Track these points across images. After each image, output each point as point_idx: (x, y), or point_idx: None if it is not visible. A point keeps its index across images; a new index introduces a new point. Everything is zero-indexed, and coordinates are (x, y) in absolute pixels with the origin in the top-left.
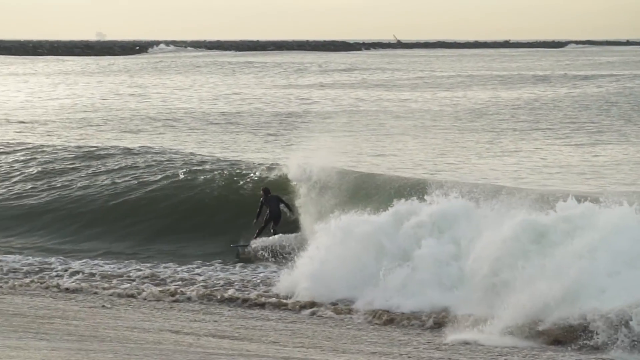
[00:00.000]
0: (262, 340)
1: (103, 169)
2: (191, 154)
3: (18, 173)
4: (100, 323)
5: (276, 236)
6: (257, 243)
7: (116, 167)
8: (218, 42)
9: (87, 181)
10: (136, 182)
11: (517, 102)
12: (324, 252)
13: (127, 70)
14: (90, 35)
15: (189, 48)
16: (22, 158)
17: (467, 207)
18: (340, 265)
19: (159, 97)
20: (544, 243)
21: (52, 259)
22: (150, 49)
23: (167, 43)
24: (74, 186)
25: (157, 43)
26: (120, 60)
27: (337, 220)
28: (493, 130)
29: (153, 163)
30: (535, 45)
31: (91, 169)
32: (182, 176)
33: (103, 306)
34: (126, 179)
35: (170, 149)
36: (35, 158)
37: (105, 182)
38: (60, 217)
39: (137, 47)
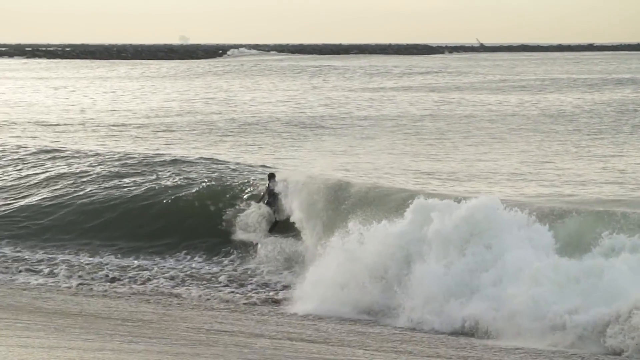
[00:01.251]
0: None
1: (172, 173)
2: (263, 166)
3: (95, 175)
4: (211, 329)
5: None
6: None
7: (182, 173)
8: (300, 45)
9: (153, 184)
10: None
11: (603, 106)
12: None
13: (213, 74)
14: (174, 39)
15: (272, 52)
16: (95, 162)
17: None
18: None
19: (246, 100)
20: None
21: (139, 262)
22: (230, 51)
23: (249, 47)
24: (141, 187)
25: (239, 46)
26: (204, 64)
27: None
28: (580, 133)
29: (227, 170)
30: (619, 48)
31: (157, 174)
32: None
33: (210, 309)
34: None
35: (250, 153)
36: (111, 162)
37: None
38: (127, 211)
39: (220, 51)
